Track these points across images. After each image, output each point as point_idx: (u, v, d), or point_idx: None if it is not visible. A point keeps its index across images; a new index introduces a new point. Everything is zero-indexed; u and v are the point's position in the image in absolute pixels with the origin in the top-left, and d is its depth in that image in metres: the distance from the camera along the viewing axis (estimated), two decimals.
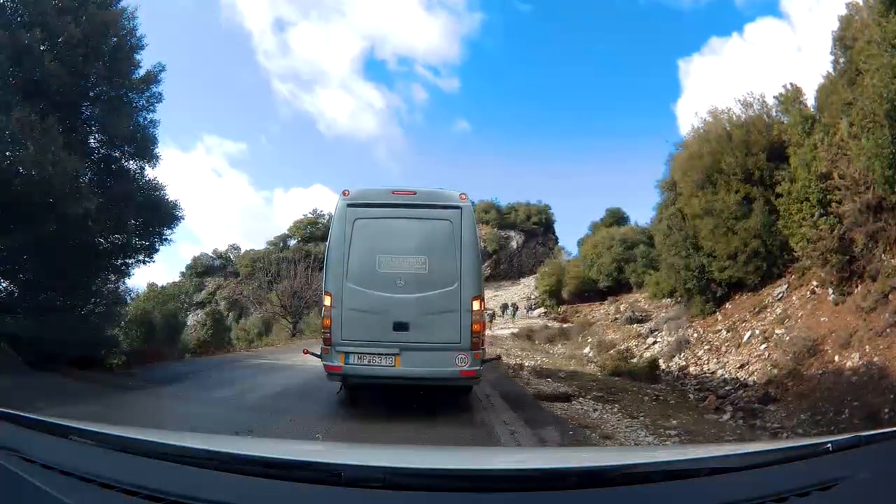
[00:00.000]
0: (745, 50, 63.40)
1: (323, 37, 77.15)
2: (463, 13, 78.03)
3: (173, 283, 32.64)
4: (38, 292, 7.85)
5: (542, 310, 30.47)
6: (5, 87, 6.61)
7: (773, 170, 12.10)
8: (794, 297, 11.00)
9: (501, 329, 25.07)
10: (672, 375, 11.45)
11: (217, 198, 78.87)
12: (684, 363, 12.13)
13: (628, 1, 68.36)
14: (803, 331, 9.35)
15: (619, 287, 28.26)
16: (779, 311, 11.07)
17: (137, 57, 8.69)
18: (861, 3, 9.82)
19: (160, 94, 8.91)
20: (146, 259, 9.11)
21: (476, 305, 5.16)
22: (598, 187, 76.90)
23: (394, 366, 5.13)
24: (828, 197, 9.42)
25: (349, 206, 5.36)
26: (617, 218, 37.55)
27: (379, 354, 5.13)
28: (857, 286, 8.91)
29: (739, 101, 13.94)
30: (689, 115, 20.51)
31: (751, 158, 12.71)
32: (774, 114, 13.09)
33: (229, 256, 47.31)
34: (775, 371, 9.02)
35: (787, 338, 9.64)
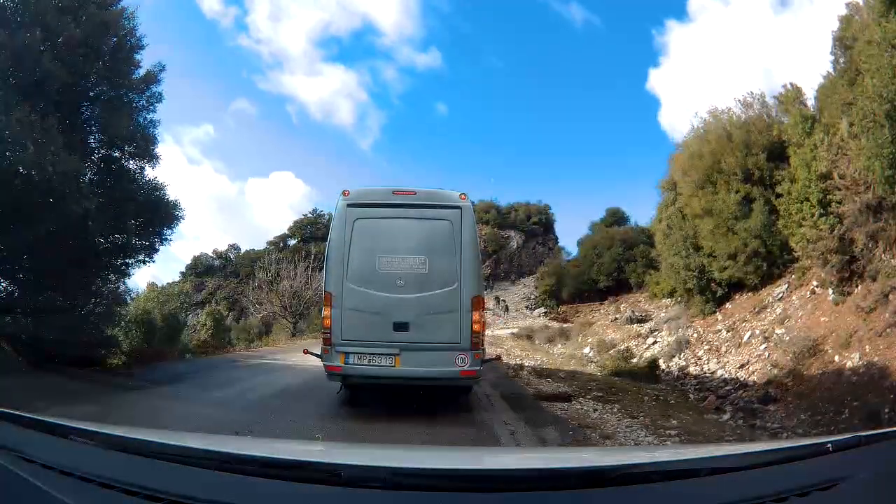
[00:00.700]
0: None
1: (291, 16, 75.52)
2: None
3: (172, 282, 32.70)
4: (38, 292, 7.84)
5: (542, 310, 30.47)
6: (5, 87, 6.61)
7: (773, 170, 12.12)
8: (794, 297, 11.01)
9: (501, 329, 25.09)
10: (672, 375, 11.46)
11: (190, 188, 76.94)
12: (684, 363, 12.14)
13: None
14: (803, 331, 9.36)
15: (619, 287, 28.28)
16: (779, 311, 11.07)
17: (137, 57, 8.69)
18: (861, 3, 9.82)
19: (160, 94, 8.92)
20: (146, 259, 9.11)
21: (476, 305, 5.13)
22: (593, 183, 76.41)
23: (394, 366, 5.10)
24: (828, 197, 9.43)
25: (349, 206, 5.31)
26: (617, 218, 37.60)
27: (379, 354, 5.10)
28: (857, 286, 8.91)
29: (739, 101, 13.98)
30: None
31: (751, 158, 12.72)
32: (774, 114, 13.12)
33: (229, 256, 47.35)
34: (775, 371, 9.02)
35: (787, 338, 9.64)
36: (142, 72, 8.76)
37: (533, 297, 32.23)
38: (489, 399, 6.71)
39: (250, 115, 77.71)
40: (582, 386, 8.78)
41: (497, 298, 28.37)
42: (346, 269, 5.17)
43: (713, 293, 14.03)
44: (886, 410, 6.30)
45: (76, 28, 7.26)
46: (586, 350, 16.59)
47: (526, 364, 11.88)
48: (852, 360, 7.70)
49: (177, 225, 9.18)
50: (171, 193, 9.09)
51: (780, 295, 11.58)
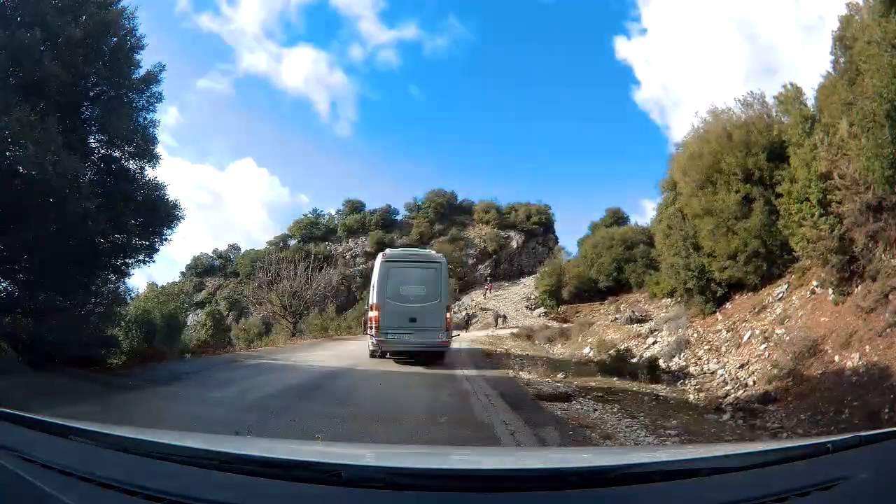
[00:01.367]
0: None
1: None
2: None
3: (173, 282, 32.71)
4: (38, 292, 7.84)
5: (541, 310, 30.46)
6: (5, 87, 6.59)
7: (773, 170, 12.11)
8: (794, 297, 11.00)
9: (501, 329, 25.09)
10: (672, 375, 11.45)
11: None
12: (684, 363, 12.13)
13: None
14: (803, 331, 9.35)
15: (619, 287, 28.27)
16: (779, 311, 11.07)
17: (137, 57, 8.68)
18: (861, 3, 9.82)
19: (160, 94, 8.91)
20: (146, 259, 9.10)
21: (448, 310, 10.04)
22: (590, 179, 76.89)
23: (410, 340, 9.77)
24: (828, 197, 9.42)
25: (386, 262, 10.09)
26: (617, 218, 37.58)
27: (402, 334, 9.70)
28: (857, 286, 8.91)
29: (739, 100, 13.97)
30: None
31: (751, 158, 12.71)
32: (774, 114, 13.10)
33: (229, 256, 47.34)
34: (775, 371, 9.02)
35: (787, 338, 9.64)
36: (142, 72, 8.76)
37: (533, 296, 32.20)
38: (489, 399, 6.71)
39: (214, 100, 76.57)
40: (582, 386, 8.78)
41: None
42: (385, 292, 9.80)
43: (713, 293, 14.02)
44: (886, 410, 6.30)
45: (76, 28, 7.25)
46: (586, 350, 16.58)
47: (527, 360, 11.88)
48: (852, 360, 7.70)
49: (177, 225, 9.18)
50: (171, 193, 9.09)
51: (780, 295, 11.58)
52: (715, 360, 11.44)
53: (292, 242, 45.44)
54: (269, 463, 1.26)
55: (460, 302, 33.70)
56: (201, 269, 46.14)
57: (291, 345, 17.47)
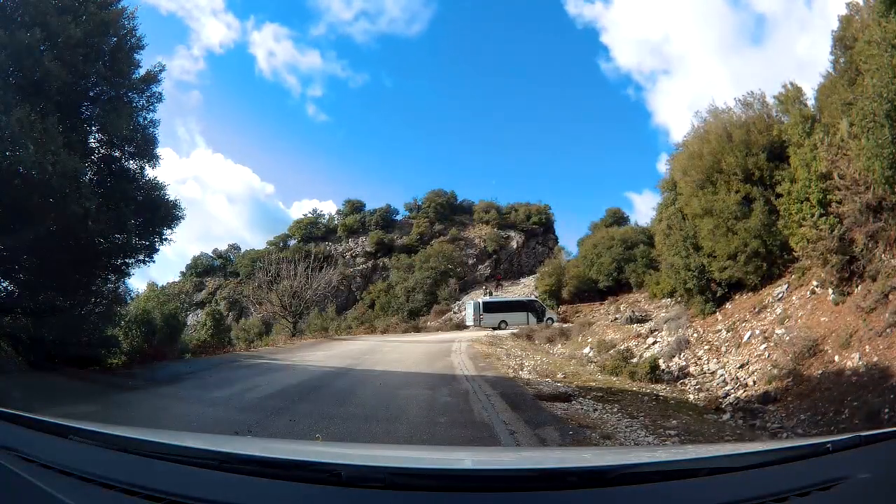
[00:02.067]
0: None
1: None
2: None
3: (173, 282, 32.67)
4: (38, 292, 7.84)
5: None
6: (5, 87, 6.60)
7: (773, 170, 12.10)
8: (794, 297, 11.00)
9: (501, 329, 25.11)
10: (672, 375, 11.44)
11: None
12: (684, 363, 12.13)
13: None
14: (803, 331, 9.35)
15: (619, 287, 28.26)
16: (779, 311, 11.07)
17: (137, 57, 8.70)
18: (861, 3, 9.82)
19: (160, 94, 8.93)
20: (146, 259, 9.11)
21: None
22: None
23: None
24: (828, 197, 9.42)
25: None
26: (617, 218, 37.58)
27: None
28: (857, 286, 8.90)
29: (739, 100, 13.95)
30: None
31: (751, 158, 12.70)
32: (774, 114, 13.08)
33: (229, 256, 47.34)
34: (775, 371, 9.01)
35: (787, 338, 9.63)
36: (142, 72, 8.78)
37: (533, 296, 32.20)
38: (489, 399, 6.71)
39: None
40: (582, 386, 8.79)
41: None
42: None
43: (713, 293, 14.02)
44: (886, 410, 6.29)
45: (76, 28, 7.26)
46: (586, 350, 16.57)
47: (525, 364, 11.88)
48: (852, 360, 7.70)
49: (177, 224, 9.20)
50: (171, 193, 9.11)
51: (780, 295, 11.58)
52: (715, 360, 11.44)
53: (292, 242, 45.44)
54: (269, 463, 1.26)
55: (460, 302, 33.71)
56: (201, 269, 46.14)
57: (291, 345, 17.48)
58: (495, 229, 42.29)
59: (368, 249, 43.21)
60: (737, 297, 13.41)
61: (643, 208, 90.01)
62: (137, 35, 8.66)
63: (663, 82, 77.09)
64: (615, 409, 6.81)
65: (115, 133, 8.18)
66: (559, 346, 19.16)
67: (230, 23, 77.62)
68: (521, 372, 10.38)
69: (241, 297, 36.22)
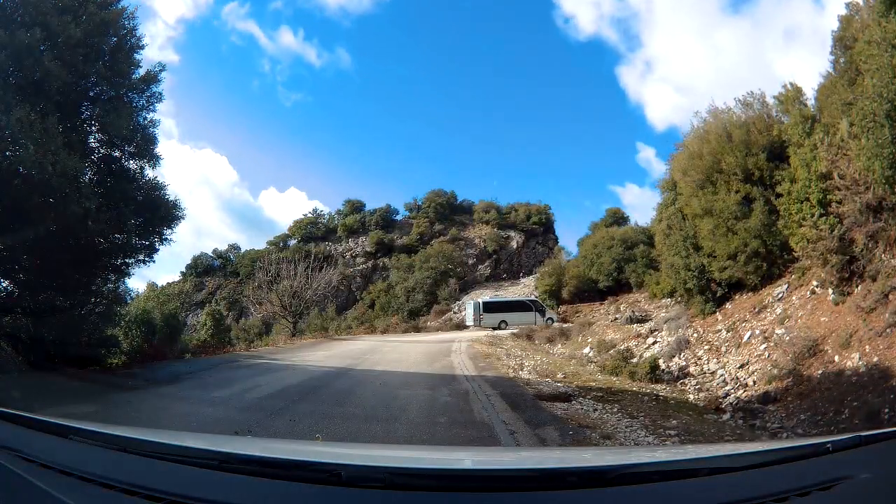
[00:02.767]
0: None
1: None
2: None
3: (172, 282, 32.67)
4: (38, 292, 7.84)
5: None
6: (5, 87, 6.60)
7: (773, 170, 12.10)
8: (794, 297, 11.00)
9: (501, 329, 25.11)
10: (672, 375, 11.44)
11: None
12: (684, 363, 12.12)
13: None
14: (803, 331, 9.35)
15: (619, 287, 28.27)
16: (779, 311, 11.07)
17: (137, 57, 8.71)
18: (861, 3, 9.82)
19: (160, 93, 8.94)
20: (146, 259, 9.12)
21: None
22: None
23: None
24: (828, 197, 9.41)
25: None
26: (617, 218, 37.59)
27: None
28: (857, 286, 8.90)
29: (739, 100, 13.95)
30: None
31: (751, 158, 12.70)
32: (774, 114, 13.07)
33: (229, 256, 47.34)
34: (775, 371, 9.01)
35: (787, 338, 9.63)
36: (142, 72, 8.78)
37: (533, 296, 32.20)
38: (489, 399, 6.71)
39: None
40: (582, 386, 8.79)
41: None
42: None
43: (713, 293, 14.02)
44: (886, 410, 6.29)
45: (76, 28, 7.26)
46: (586, 350, 16.57)
47: (526, 364, 11.88)
48: (852, 360, 7.70)
49: (177, 224, 9.20)
50: (172, 193, 9.11)
51: (780, 295, 11.58)
52: (715, 360, 11.44)
53: (292, 242, 45.45)
54: (269, 463, 1.26)
55: (460, 302, 33.72)
56: (201, 269, 46.13)
57: (291, 345, 17.49)
58: (495, 229, 42.29)
59: (368, 249, 43.22)
60: (737, 297, 13.41)
61: (635, 202, 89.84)
62: (137, 35, 8.67)
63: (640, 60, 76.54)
64: (615, 409, 6.81)
65: (115, 133, 8.18)
66: (559, 346, 19.17)
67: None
68: (521, 372, 10.38)
69: (241, 297, 36.19)
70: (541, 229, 42.94)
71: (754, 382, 9.38)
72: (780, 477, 1.21)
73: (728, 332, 12.21)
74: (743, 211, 12.59)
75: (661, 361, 12.46)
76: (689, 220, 14.48)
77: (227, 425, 4.81)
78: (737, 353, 11.00)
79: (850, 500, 1.14)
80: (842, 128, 9.06)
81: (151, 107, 8.87)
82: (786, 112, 12.16)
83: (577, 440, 4.84)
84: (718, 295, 13.90)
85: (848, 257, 9.02)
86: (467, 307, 29.24)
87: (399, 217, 47.02)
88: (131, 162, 8.81)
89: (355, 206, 47.55)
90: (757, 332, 11.04)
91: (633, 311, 22.27)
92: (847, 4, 10.20)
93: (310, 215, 48.22)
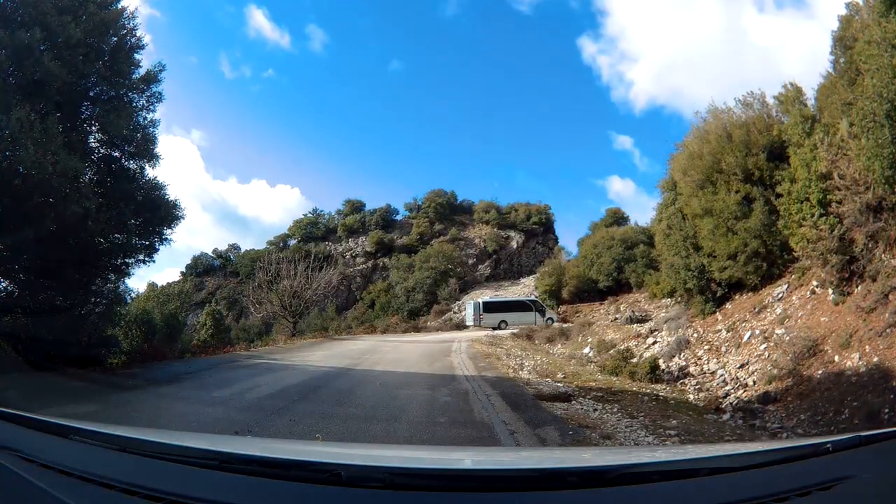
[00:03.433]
0: None
1: None
2: None
3: (172, 282, 32.67)
4: (38, 292, 7.84)
5: None
6: (5, 87, 6.60)
7: (773, 170, 12.10)
8: (794, 297, 11.00)
9: (501, 329, 25.11)
10: (672, 375, 11.45)
11: None
12: (684, 363, 12.13)
13: None
14: (803, 331, 9.35)
15: (619, 287, 28.28)
16: (779, 311, 11.07)
17: (137, 57, 8.72)
18: (861, 3, 9.82)
19: (160, 93, 8.95)
20: (146, 259, 9.13)
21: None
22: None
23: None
24: (828, 197, 9.41)
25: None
26: (617, 218, 37.59)
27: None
28: (857, 286, 8.90)
29: (739, 100, 13.95)
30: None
31: (751, 158, 12.70)
32: (774, 114, 13.08)
33: (229, 256, 47.35)
34: (775, 371, 9.01)
35: (787, 338, 9.63)
36: (142, 72, 8.79)
37: (533, 296, 32.21)
38: (489, 399, 6.71)
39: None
40: (582, 386, 8.79)
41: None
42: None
43: (713, 293, 14.02)
44: (886, 410, 6.29)
45: (76, 28, 7.26)
46: (586, 350, 16.58)
47: (526, 364, 11.88)
48: (852, 360, 7.70)
49: (177, 224, 9.21)
50: (171, 193, 9.11)
51: (780, 295, 11.58)
52: (715, 360, 11.44)
53: (292, 242, 45.45)
54: (269, 463, 1.26)
55: (460, 302, 33.72)
56: (201, 269, 46.14)
57: (291, 344, 17.49)
58: (495, 229, 42.31)
59: (368, 249, 43.22)
60: (737, 297, 13.41)
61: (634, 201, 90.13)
62: (137, 35, 8.69)
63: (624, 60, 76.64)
64: (615, 409, 6.80)
65: (115, 133, 8.18)
66: (559, 346, 19.17)
67: None
68: (521, 372, 10.38)
69: (241, 297, 36.19)
70: (541, 229, 42.94)
71: (754, 382, 9.38)
72: (781, 477, 1.21)
73: (728, 332, 12.21)
74: (743, 211, 12.59)
75: (661, 361, 12.46)
76: (689, 220, 14.48)
77: (227, 425, 4.81)
78: (737, 353, 11.00)
79: (851, 500, 1.14)
80: (842, 128, 9.06)
81: (151, 107, 8.89)
82: (786, 112, 12.16)
83: (577, 440, 4.84)
84: (718, 295, 13.90)
85: (848, 257, 9.02)
86: (467, 307, 29.24)
87: (399, 217, 47.06)
88: (131, 162, 8.81)
89: (355, 206, 47.56)
90: (757, 332, 11.04)
91: (633, 311, 22.27)
92: (847, 4, 10.21)
93: (310, 215, 48.27)
